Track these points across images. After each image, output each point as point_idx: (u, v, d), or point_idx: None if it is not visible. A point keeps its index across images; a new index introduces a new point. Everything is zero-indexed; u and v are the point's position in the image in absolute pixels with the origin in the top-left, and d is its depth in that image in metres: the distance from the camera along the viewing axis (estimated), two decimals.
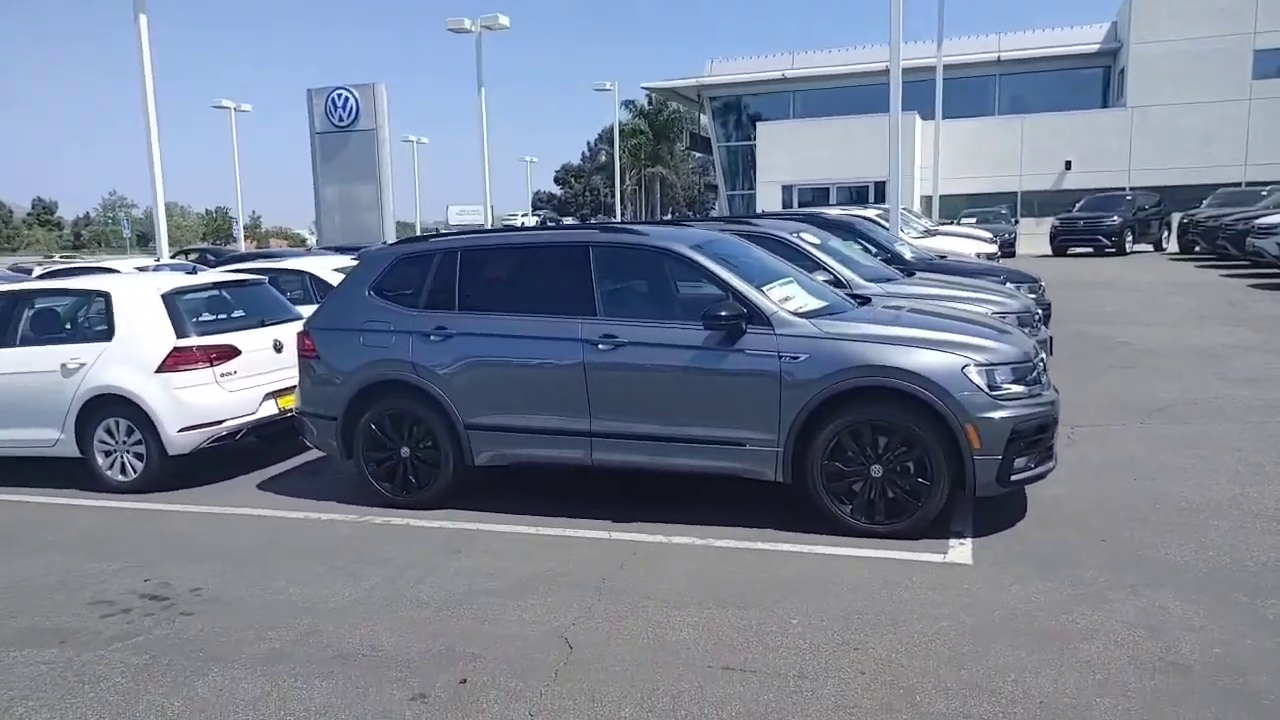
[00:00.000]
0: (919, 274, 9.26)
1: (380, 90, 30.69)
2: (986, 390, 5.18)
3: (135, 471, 7.05)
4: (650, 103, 62.47)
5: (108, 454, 7.12)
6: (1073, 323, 13.42)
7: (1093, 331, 12.85)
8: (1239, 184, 32.01)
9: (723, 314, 5.43)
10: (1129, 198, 30.58)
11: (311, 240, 76.36)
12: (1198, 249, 27.12)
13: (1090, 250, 28.85)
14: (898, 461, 5.27)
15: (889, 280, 8.41)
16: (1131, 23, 36.43)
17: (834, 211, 13.75)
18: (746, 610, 4.47)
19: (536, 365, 5.89)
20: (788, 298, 5.79)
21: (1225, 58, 35.20)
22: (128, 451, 7.06)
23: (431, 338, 6.10)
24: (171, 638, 4.48)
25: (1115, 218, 28.88)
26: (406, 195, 57.52)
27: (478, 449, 6.06)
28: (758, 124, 40.21)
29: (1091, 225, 28.99)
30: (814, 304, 5.89)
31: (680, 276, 6.01)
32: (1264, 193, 27.21)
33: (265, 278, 8.50)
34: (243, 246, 41.94)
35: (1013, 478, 5.24)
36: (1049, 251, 29.09)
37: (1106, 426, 7.71)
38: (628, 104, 56.35)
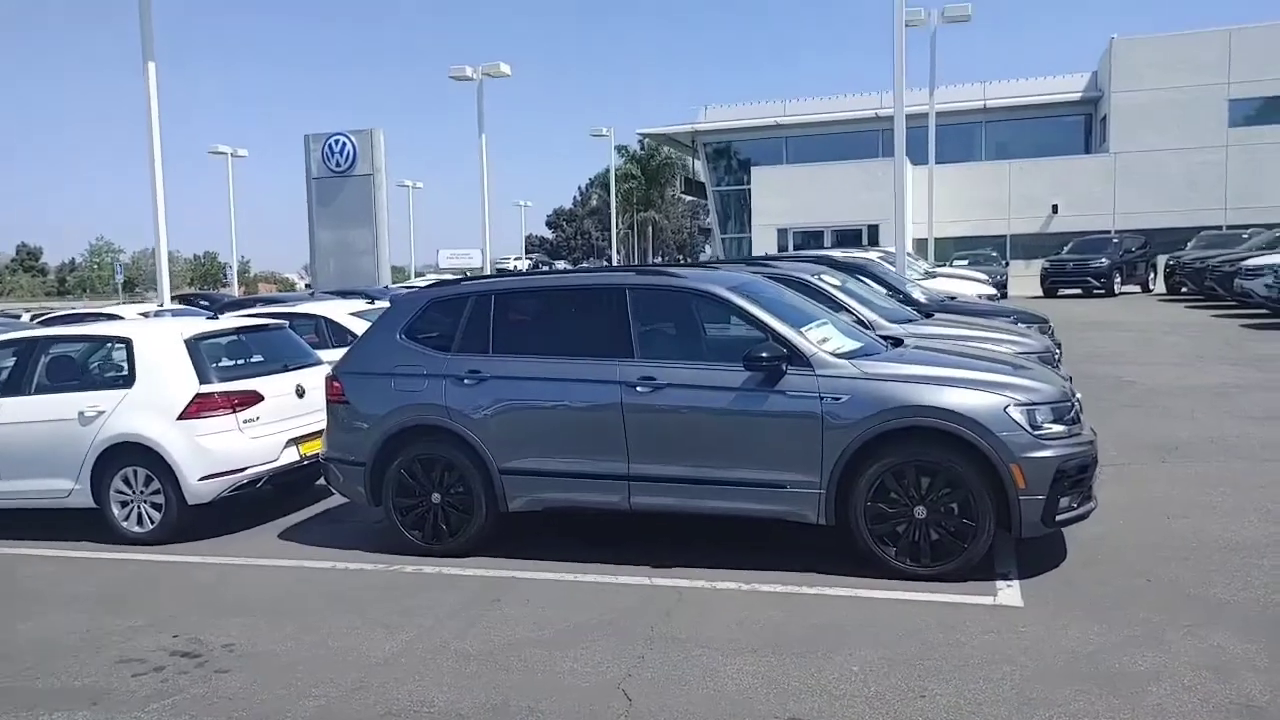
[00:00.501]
0: (937, 315, 9.31)
1: (378, 135, 30.81)
2: (1029, 430, 5.16)
3: (153, 522, 6.91)
4: (643, 148, 63.12)
5: (124, 504, 6.98)
6: (1076, 363, 13.46)
7: (1098, 371, 12.91)
8: (1220, 227, 32.47)
9: (764, 355, 5.41)
10: (1115, 240, 31.03)
11: (301, 285, 76.32)
12: (1184, 290, 27.50)
13: (1079, 291, 29.19)
14: (942, 502, 5.23)
15: (909, 321, 8.43)
16: (1112, 72, 37.19)
17: (840, 253, 13.84)
18: (804, 657, 4.39)
19: (573, 408, 5.84)
20: (825, 339, 5.78)
21: (1202, 106, 35.94)
22: (145, 501, 6.92)
23: (465, 381, 6.05)
24: (210, 696, 4.35)
25: (1103, 260, 29.28)
26: (400, 239, 57.49)
27: (512, 494, 5.99)
28: (752, 168, 40.69)
29: (1080, 267, 29.37)
30: (850, 345, 5.88)
31: (717, 319, 6.00)
32: (1245, 235, 27.70)
33: (286, 322, 8.44)
34: (236, 292, 41.73)
35: (1058, 518, 5.21)
36: (1039, 293, 29.39)
37: (1128, 465, 7.69)
38: (620, 149, 56.91)
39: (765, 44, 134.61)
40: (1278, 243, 23.49)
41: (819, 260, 10.87)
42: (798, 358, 5.48)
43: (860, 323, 7.56)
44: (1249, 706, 3.75)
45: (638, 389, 5.68)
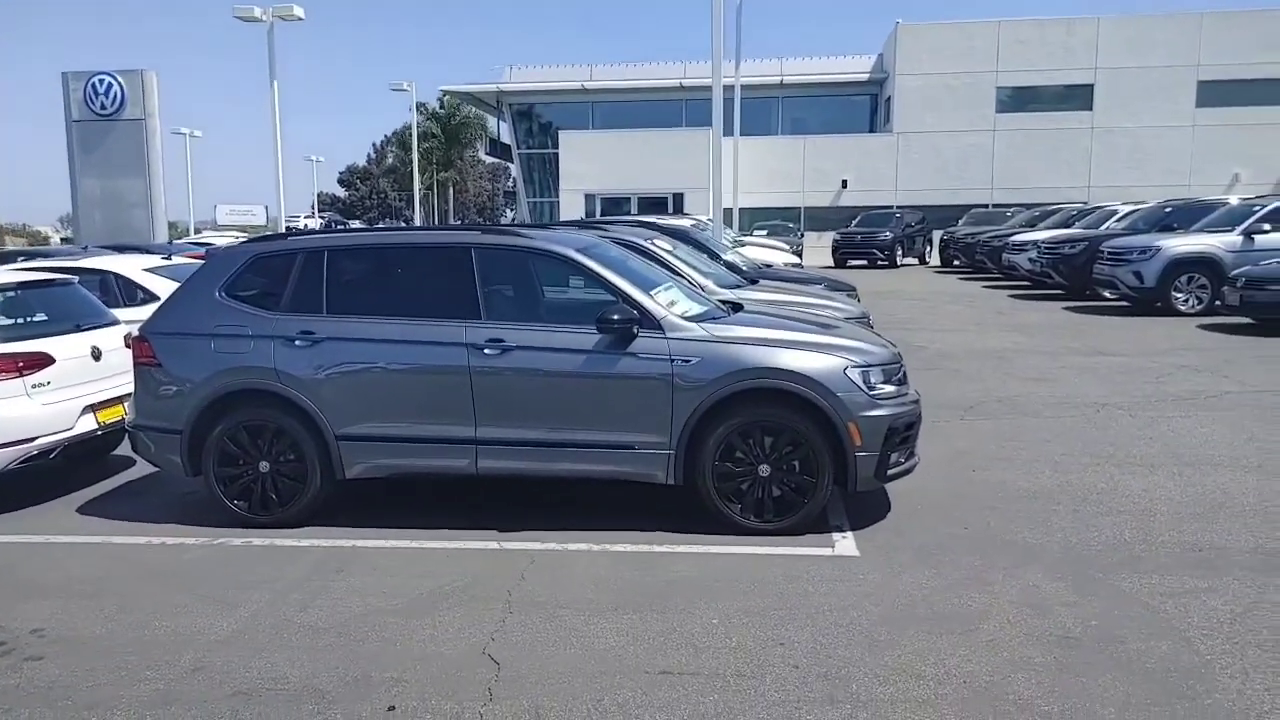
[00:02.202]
0: (762, 281, 9.63)
1: (150, 77, 28.33)
2: (865, 390, 5.46)
3: None
4: (443, 106, 61.23)
5: None
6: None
7: (892, 336, 13.76)
8: (987, 205, 35.45)
9: (616, 318, 5.42)
10: (898, 215, 33.24)
11: (57, 239, 69.11)
12: (957, 262, 29.88)
13: (865, 263, 31.10)
14: (784, 460, 5.45)
15: (737, 287, 8.69)
16: (897, 56, 39.58)
17: (659, 219, 14.05)
18: (665, 613, 4.47)
19: (417, 371, 5.64)
20: (673, 302, 5.86)
21: (974, 92, 38.96)
22: None
23: (297, 343, 5.69)
24: (24, 687, 3.92)
25: (888, 233, 31.32)
26: (177, 192, 53.09)
27: (350, 461, 5.72)
28: (560, 133, 40.55)
29: (867, 240, 31.31)
30: (696, 309, 5.99)
31: (564, 281, 5.94)
32: (1009, 214, 30.41)
33: (75, 278, 7.62)
34: None
35: (889, 472, 5.56)
36: (830, 263, 31.06)
37: (933, 423, 8.27)
38: (420, 107, 54.92)
39: (571, 7, 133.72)
40: (1037, 221, 25.94)
41: (644, 226, 10.98)
42: (648, 320, 5.52)
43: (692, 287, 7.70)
44: (1066, 638, 4.15)
45: (485, 351, 5.56)
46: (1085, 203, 30.53)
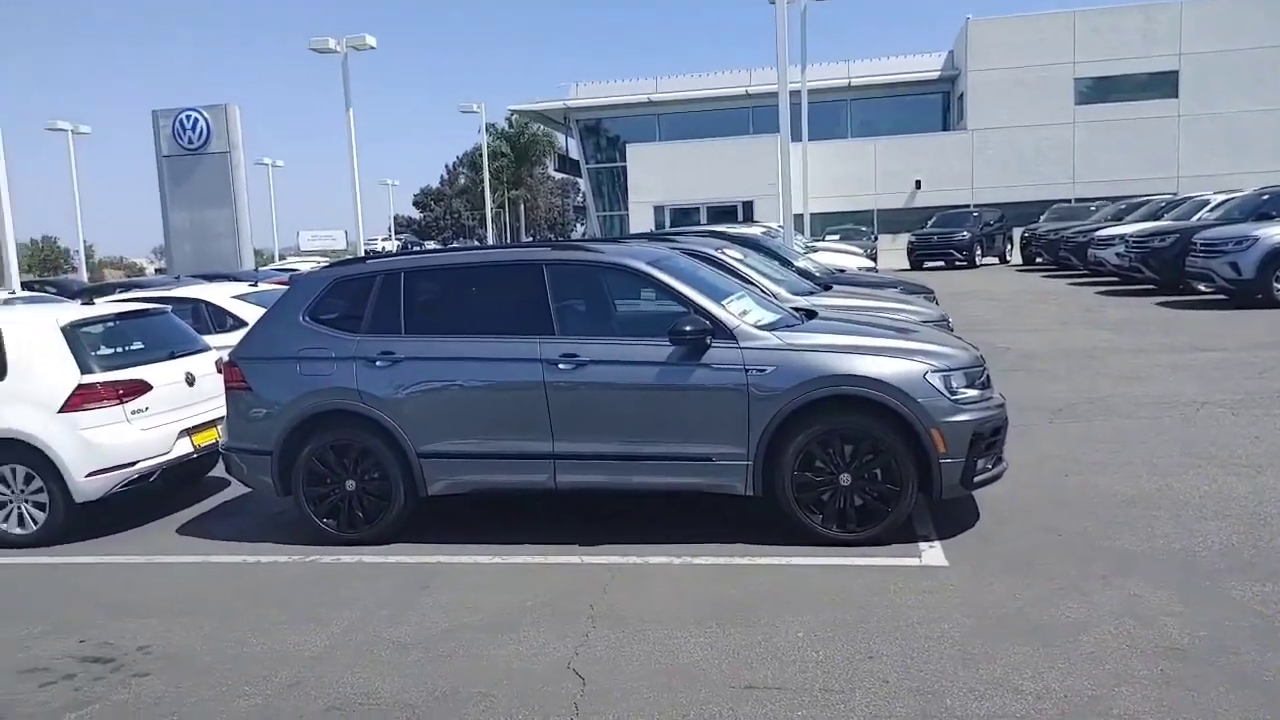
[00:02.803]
0: (835, 287, 9.52)
1: (233, 111, 29.43)
2: (947, 395, 5.33)
3: (36, 523, 6.40)
4: (511, 125, 62.14)
5: (1, 505, 6.44)
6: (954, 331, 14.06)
7: (974, 338, 13.43)
8: (1069, 200, 34.44)
9: (688, 329, 5.40)
10: (975, 214, 32.52)
11: (151, 270, 71.96)
12: (1039, 260, 29.09)
13: (942, 264, 30.49)
14: (866, 469, 5.35)
15: (810, 294, 8.59)
16: (968, 52, 38.78)
17: (730, 228, 13.99)
18: (748, 626, 4.43)
19: (493, 388, 5.70)
20: (745, 311, 5.81)
21: (1051, 85, 37.89)
22: (26, 501, 6.40)
23: (377, 363, 5.81)
24: (133, 702, 4.07)
25: (965, 233, 30.67)
26: (261, 220, 54.92)
27: (432, 478, 5.81)
28: (628, 146, 40.67)
29: (944, 240, 30.69)
30: (770, 317, 5.94)
31: (635, 293, 5.95)
32: (1093, 208, 29.47)
33: (168, 307, 7.92)
34: (84, 278, 39.10)
35: (975, 479, 5.41)
36: (906, 266, 30.54)
37: (1020, 427, 8.05)
38: (489, 127, 55.85)
39: (635, 21, 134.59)
40: (1124, 214, 25.08)
41: (715, 235, 10.94)
42: (721, 330, 5.49)
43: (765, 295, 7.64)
44: (1172, 649, 3.98)
45: (560, 366, 5.59)
46: (1174, 193, 29.39)
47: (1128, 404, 8.78)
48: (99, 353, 6.73)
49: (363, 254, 24.44)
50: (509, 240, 62.97)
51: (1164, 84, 37.08)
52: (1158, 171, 36.17)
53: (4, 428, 6.30)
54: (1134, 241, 19.40)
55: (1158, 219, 22.00)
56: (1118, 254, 20.45)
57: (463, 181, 78.90)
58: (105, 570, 5.91)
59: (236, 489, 7.22)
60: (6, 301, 13.31)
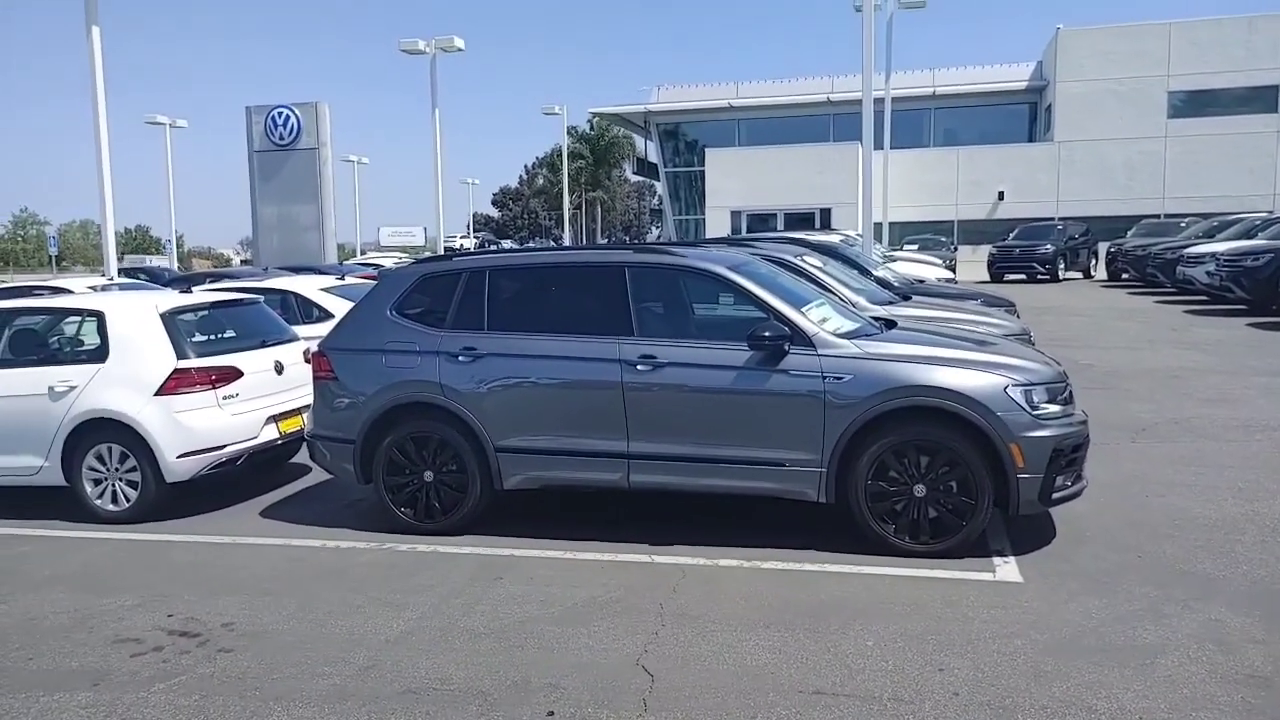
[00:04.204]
0: (915, 297, 9.42)
1: (323, 109, 30.26)
2: (1027, 409, 5.25)
3: (128, 501, 6.70)
4: (592, 128, 62.70)
5: (97, 482, 6.76)
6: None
7: (1056, 354, 13.13)
8: (1158, 216, 33.44)
9: (768, 334, 5.42)
10: (1059, 227, 31.74)
11: (237, 261, 74.34)
12: (1125, 276, 28.27)
13: (1024, 277, 29.82)
14: (941, 481, 5.30)
15: (889, 303, 8.53)
16: (1057, 62, 37.96)
17: (810, 235, 13.94)
18: (817, 632, 4.43)
19: (572, 386, 5.79)
20: (825, 319, 5.81)
21: (1143, 97, 36.92)
22: (120, 479, 6.71)
23: (460, 358, 5.96)
24: (218, 676, 4.24)
25: (1048, 246, 29.95)
26: (344, 215, 56.44)
27: (508, 472, 5.93)
28: (706, 150, 40.76)
29: (1026, 253, 30.00)
30: (849, 325, 5.93)
31: (714, 298, 5.99)
32: (1183, 224, 28.54)
33: (261, 297, 8.22)
34: (175, 267, 40.62)
35: (1054, 496, 5.33)
36: (986, 278, 29.95)
37: (1102, 446, 7.87)
38: (569, 129, 56.47)
39: (717, 25, 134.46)
40: (1215, 231, 24.24)
41: (795, 243, 10.92)
42: (800, 337, 5.50)
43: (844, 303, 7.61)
44: (1254, 677, 3.88)
45: (638, 367, 5.66)
46: (1270, 211, 28.32)
47: (1214, 426, 8.52)
48: (194, 339, 7.03)
49: (442, 251, 24.93)
50: (584, 241, 63.46)
51: (1263, 98, 35.85)
52: (1253, 189, 34.95)
53: (103, 408, 6.61)
54: (1225, 260, 18.74)
55: (1251, 237, 21.20)
56: (1208, 272, 19.76)
57: (541, 182, 79.84)
58: (193, 549, 6.16)
59: (317, 475, 7.45)
60: (105, 287, 13.89)
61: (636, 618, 4.68)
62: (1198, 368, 11.90)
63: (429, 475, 6.06)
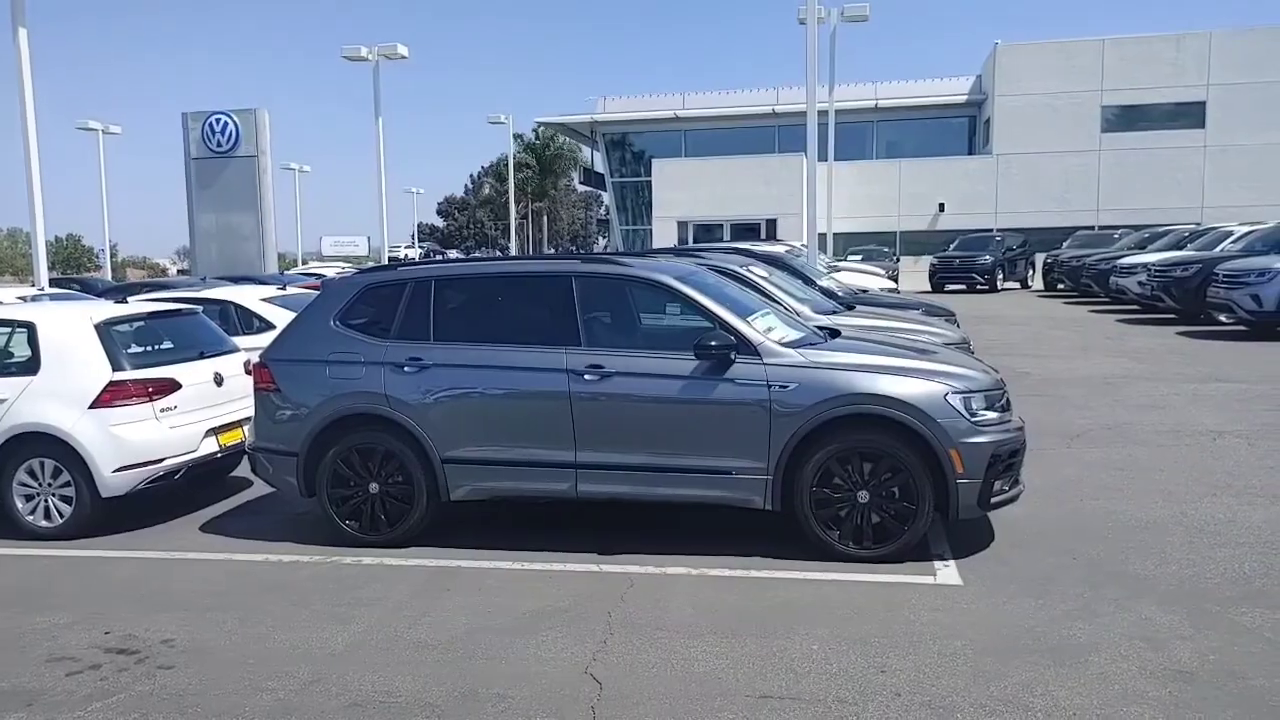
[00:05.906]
0: (858, 307, 9.58)
1: (262, 116, 29.72)
2: (966, 416, 5.38)
3: (62, 516, 6.53)
4: (538, 137, 62.59)
5: (29, 498, 6.58)
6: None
7: (995, 363, 13.43)
8: (1093, 227, 34.37)
9: (714, 344, 5.48)
10: (998, 238, 32.49)
11: (173, 270, 72.70)
12: (1061, 286, 29.01)
13: (964, 287, 30.45)
14: (884, 487, 5.40)
15: (834, 313, 8.66)
16: (995, 77, 38.86)
17: (754, 245, 14.07)
18: (764, 638, 4.49)
19: (519, 396, 5.79)
20: (770, 328, 5.89)
21: (1078, 111, 37.96)
22: (54, 495, 6.54)
23: (405, 369, 5.92)
24: (157, 694, 4.16)
25: (987, 257, 30.65)
26: (286, 225, 55.69)
27: (455, 483, 5.90)
28: (653, 161, 40.95)
29: (966, 264, 30.66)
30: (794, 335, 6.01)
31: (663, 308, 6.03)
32: (1116, 235, 29.40)
33: (199, 308, 8.07)
34: (109, 277, 39.60)
35: (992, 500, 5.46)
36: (928, 288, 30.50)
37: (1038, 451, 8.06)
38: (515, 138, 56.31)
39: (663, 38, 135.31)
40: (1147, 243, 25.01)
41: (739, 252, 11.03)
42: (746, 346, 5.57)
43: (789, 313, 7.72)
44: (1182, 672, 4.02)
45: (585, 377, 5.68)
46: (1198, 223, 29.30)
47: (1146, 431, 8.79)
48: (130, 350, 6.87)
49: (386, 261, 24.69)
50: (531, 251, 63.28)
51: (1191, 114, 37.07)
52: (1182, 201, 36.11)
53: (35, 422, 6.43)
54: (1156, 270, 19.36)
55: (1181, 249, 21.93)
56: (1140, 282, 20.40)
57: (487, 191, 79.45)
58: (130, 564, 6.02)
59: (259, 488, 7.33)
60: (35, 298, 13.52)
61: (585, 627, 4.69)
62: (1130, 375, 12.26)
63: (374, 487, 6.00)
